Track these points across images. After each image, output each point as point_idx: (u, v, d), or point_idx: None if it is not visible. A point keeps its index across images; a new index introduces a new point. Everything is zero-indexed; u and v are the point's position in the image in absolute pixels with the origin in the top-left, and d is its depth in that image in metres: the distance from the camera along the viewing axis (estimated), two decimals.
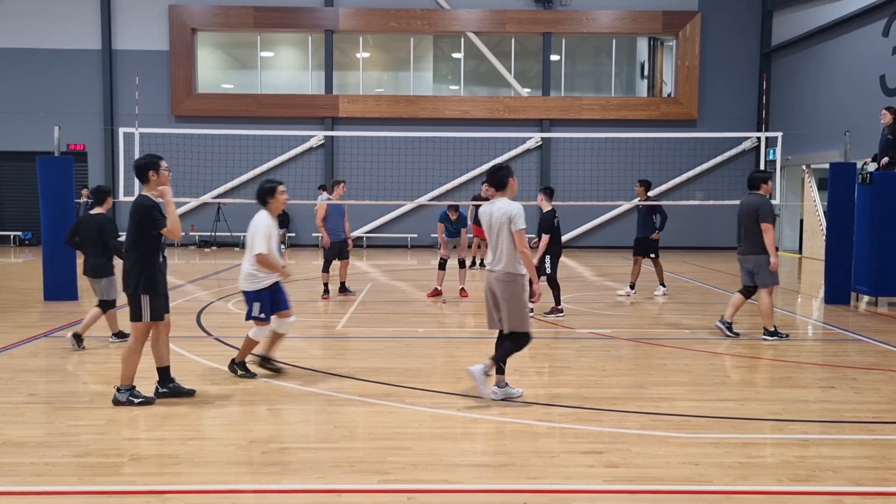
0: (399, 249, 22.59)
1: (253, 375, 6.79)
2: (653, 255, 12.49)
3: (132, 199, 6.17)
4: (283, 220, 23.01)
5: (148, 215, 5.86)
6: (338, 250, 11.91)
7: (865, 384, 6.78)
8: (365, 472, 4.56)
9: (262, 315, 6.74)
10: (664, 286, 12.72)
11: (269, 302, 6.78)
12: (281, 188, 6.95)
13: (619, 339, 8.90)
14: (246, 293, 6.78)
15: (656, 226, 12.40)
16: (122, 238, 6.47)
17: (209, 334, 8.93)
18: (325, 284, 12.02)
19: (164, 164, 6.08)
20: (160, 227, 5.86)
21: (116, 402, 5.94)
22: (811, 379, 7.08)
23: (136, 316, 5.93)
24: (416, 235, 23.36)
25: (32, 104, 22.77)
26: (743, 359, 7.83)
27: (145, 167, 5.98)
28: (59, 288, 11.38)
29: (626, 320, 10.43)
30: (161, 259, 6.07)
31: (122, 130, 14.59)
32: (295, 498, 4.26)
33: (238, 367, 6.85)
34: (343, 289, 12.27)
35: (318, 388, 6.47)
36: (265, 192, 6.91)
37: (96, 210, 8.28)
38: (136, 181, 6.08)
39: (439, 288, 12.13)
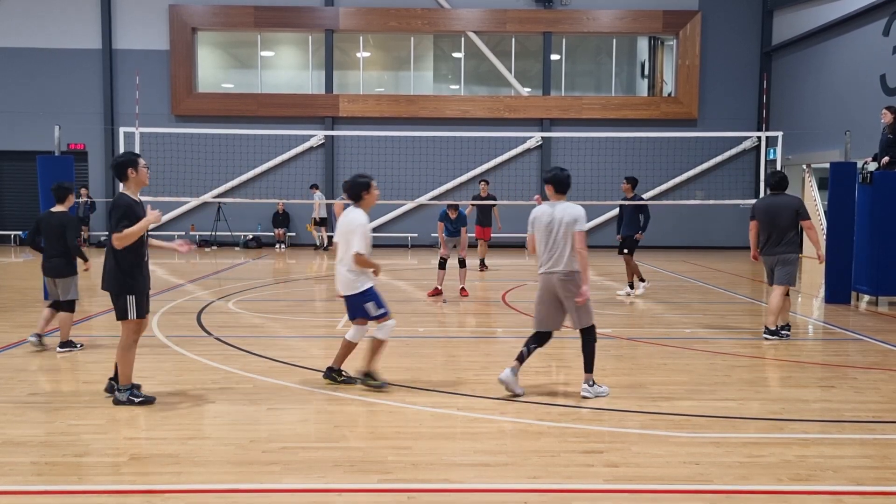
0: (399, 249, 22.59)
1: (384, 384, 6.43)
2: (626, 251, 12.40)
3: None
4: (284, 220, 23.02)
5: (115, 213, 5.74)
6: None
7: (866, 384, 6.78)
8: (365, 472, 4.56)
9: (383, 310, 6.33)
10: (644, 281, 12.64)
11: (377, 295, 6.37)
12: (374, 183, 6.47)
13: (619, 338, 8.90)
14: (350, 298, 6.30)
15: (639, 225, 12.29)
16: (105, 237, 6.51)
17: (209, 334, 8.93)
18: None
19: (142, 161, 6.02)
20: (116, 229, 5.68)
21: (117, 402, 5.94)
22: (811, 378, 7.08)
23: (122, 315, 5.95)
24: (416, 235, 23.37)
25: (33, 104, 22.78)
26: (743, 358, 7.82)
27: (124, 164, 5.90)
28: None
29: (626, 320, 10.43)
30: (144, 258, 6.01)
31: (122, 130, 14.59)
32: (295, 497, 4.26)
33: (368, 377, 6.40)
34: None
35: (318, 388, 6.46)
36: (360, 187, 6.33)
37: (58, 208, 7.84)
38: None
39: (439, 287, 12.15)
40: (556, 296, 6.17)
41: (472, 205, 15.92)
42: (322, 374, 6.63)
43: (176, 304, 11.20)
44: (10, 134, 22.90)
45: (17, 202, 23.29)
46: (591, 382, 6.21)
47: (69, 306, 7.86)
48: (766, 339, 8.67)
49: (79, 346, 7.91)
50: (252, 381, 6.67)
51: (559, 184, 6.25)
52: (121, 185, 6.02)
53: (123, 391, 5.96)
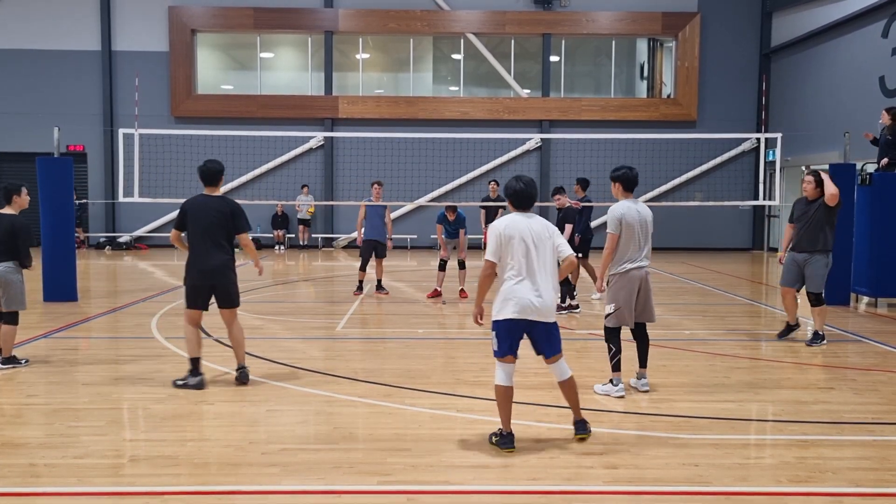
0: (398, 250, 22.58)
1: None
2: (580, 255, 12.14)
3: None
4: (283, 221, 23.02)
5: (244, 216, 6.63)
6: (371, 251, 12.39)
7: (865, 385, 6.79)
8: (365, 474, 4.56)
9: None
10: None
11: None
12: None
13: None
14: (555, 325, 5.12)
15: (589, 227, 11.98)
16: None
17: (209, 335, 8.92)
18: (360, 282, 12.57)
19: None
20: (245, 231, 6.63)
21: (247, 378, 6.56)
22: (811, 380, 7.08)
23: (236, 302, 6.65)
24: (415, 236, 23.36)
25: (32, 105, 22.77)
26: (742, 360, 7.83)
27: (221, 172, 6.79)
28: (58, 289, 11.37)
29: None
30: None
31: (121, 131, 14.57)
32: (295, 499, 4.25)
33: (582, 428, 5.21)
34: (379, 286, 12.60)
35: (318, 390, 6.46)
36: (535, 193, 5.23)
37: (6, 210, 7.14)
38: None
39: (439, 289, 12.15)
40: (639, 290, 6.34)
41: (483, 207, 15.32)
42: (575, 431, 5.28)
43: (175, 306, 11.20)
44: (9, 135, 22.87)
45: None
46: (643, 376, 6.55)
47: (12, 318, 7.10)
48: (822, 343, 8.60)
49: (24, 361, 7.24)
50: (251, 383, 6.66)
51: (628, 182, 6.39)
52: (206, 188, 6.75)
53: (246, 368, 6.63)
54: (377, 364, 7.52)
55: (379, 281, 12.62)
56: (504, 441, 4.97)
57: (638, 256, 6.30)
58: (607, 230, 6.31)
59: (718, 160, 23.34)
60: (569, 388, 5.19)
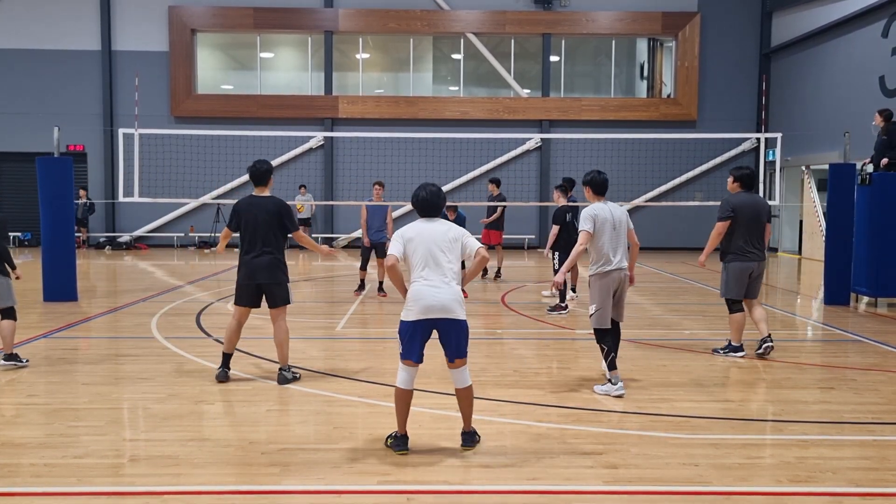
0: None
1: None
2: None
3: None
4: None
5: (292, 216, 6.73)
6: (370, 250, 12.53)
7: (865, 385, 6.78)
8: (364, 473, 4.56)
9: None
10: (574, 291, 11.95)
11: None
12: None
13: None
14: (465, 324, 5.17)
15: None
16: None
17: (208, 335, 8.93)
18: (362, 280, 12.73)
19: None
20: (295, 229, 6.74)
21: (284, 382, 6.55)
22: (811, 380, 7.08)
23: (287, 300, 6.84)
24: None
25: (32, 105, 22.78)
26: (742, 359, 7.82)
27: (269, 172, 6.72)
28: (58, 289, 11.37)
29: (626, 321, 10.40)
30: None
31: (121, 131, 14.58)
32: (294, 499, 4.25)
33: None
34: (381, 288, 12.58)
35: (318, 389, 6.47)
36: (444, 201, 5.26)
37: None
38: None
39: None
40: (616, 291, 6.41)
41: (491, 206, 14.90)
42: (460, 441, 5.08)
43: (175, 306, 11.20)
44: (9, 135, 22.88)
45: (16, 203, 23.25)
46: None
47: (9, 314, 7.17)
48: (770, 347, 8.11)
49: (24, 361, 7.19)
50: (251, 383, 6.67)
51: (597, 185, 6.50)
52: (255, 188, 6.72)
53: (288, 371, 6.67)
54: (377, 364, 7.52)
55: (381, 283, 12.59)
56: (397, 443, 4.93)
57: (615, 259, 6.37)
58: (580, 228, 6.47)
59: (718, 160, 23.33)
60: (463, 397, 5.07)
